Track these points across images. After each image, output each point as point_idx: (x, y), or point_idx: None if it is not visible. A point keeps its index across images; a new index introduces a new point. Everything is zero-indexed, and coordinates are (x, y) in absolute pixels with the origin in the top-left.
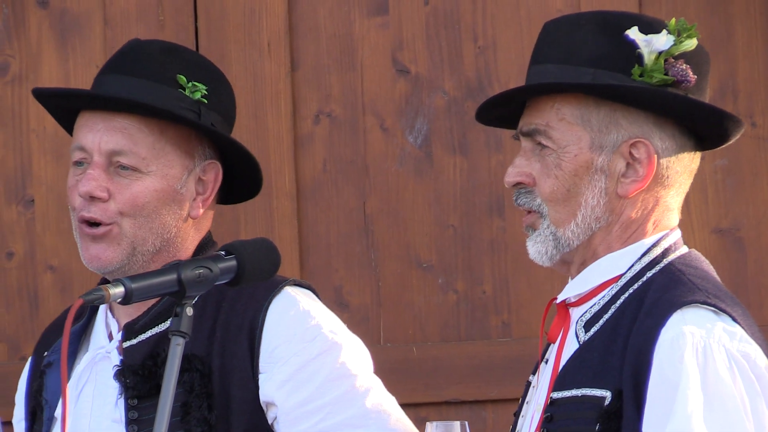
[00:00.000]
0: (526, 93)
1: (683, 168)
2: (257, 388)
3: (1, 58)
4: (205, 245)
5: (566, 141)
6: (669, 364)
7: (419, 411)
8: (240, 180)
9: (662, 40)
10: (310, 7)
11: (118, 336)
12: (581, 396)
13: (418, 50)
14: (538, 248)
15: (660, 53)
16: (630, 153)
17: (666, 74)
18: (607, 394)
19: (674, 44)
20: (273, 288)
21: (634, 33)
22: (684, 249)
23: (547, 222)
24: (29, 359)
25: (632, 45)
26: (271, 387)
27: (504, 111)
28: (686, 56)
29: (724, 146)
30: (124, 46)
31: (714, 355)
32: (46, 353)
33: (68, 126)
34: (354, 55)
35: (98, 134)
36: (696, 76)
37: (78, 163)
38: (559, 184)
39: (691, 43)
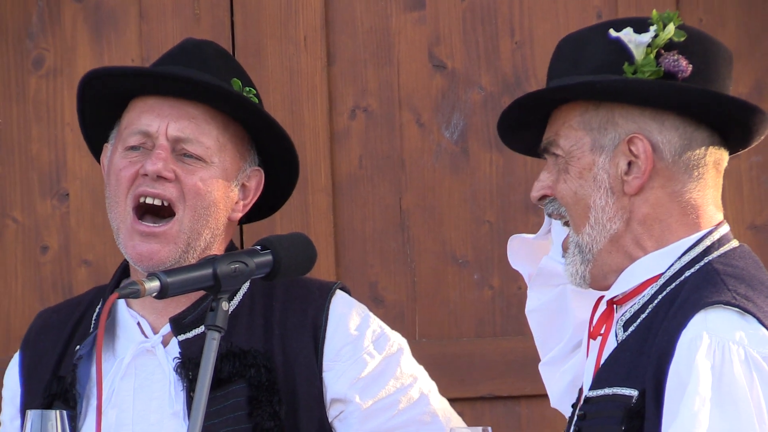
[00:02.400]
0: (519, 107)
1: (697, 161)
2: (322, 384)
3: (36, 51)
4: (230, 248)
5: (570, 145)
6: (684, 365)
7: (454, 406)
8: (271, 192)
9: (645, 37)
10: (347, 1)
11: (163, 331)
12: (612, 395)
13: (454, 45)
14: (571, 270)
15: (648, 47)
16: (630, 150)
17: (658, 65)
18: (634, 394)
19: (656, 35)
20: (327, 290)
21: (621, 33)
22: (730, 246)
23: (571, 233)
24: (16, 354)
25: (621, 44)
26: (342, 384)
27: (529, 134)
28: (681, 47)
29: (756, 142)
30: (181, 43)
31: (731, 357)
32: (78, 347)
33: (92, 119)
34: (390, 50)
35: (165, 119)
36: (692, 66)
37: (134, 148)
38: (568, 188)
39: (669, 31)
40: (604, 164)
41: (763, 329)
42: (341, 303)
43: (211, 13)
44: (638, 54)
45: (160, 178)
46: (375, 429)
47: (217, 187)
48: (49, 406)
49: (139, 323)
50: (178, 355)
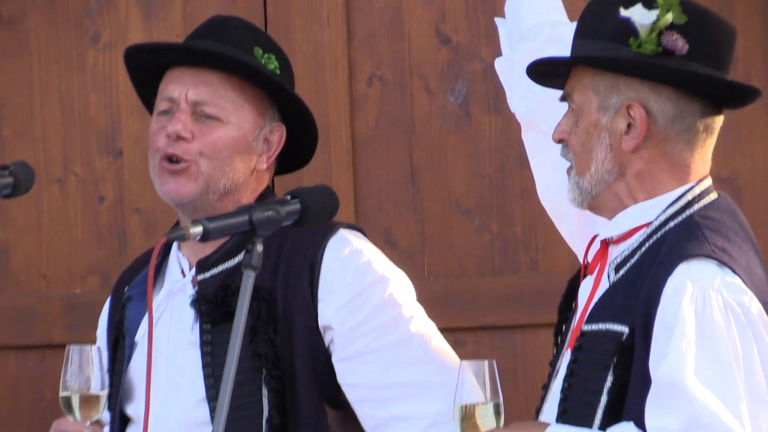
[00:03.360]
0: (543, 63)
1: (688, 126)
2: (316, 314)
3: (94, 28)
4: (265, 195)
5: (582, 103)
6: (670, 310)
7: (458, 335)
8: (297, 146)
9: (649, 16)
10: None
11: (190, 272)
12: (605, 330)
13: (458, 22)
14: (571, 195)
15: (652, 25)
16: (628, 114)
17: (658, 44)
18: (625, 330)
19: (657, 18)
20: (329, 230)
21: (629, 11)
22: (710, 198)
23: (573, 172)
24: (107, 300)
25: (627, 21)
26: (329, 313)
27: (555, 81)
28: (681, 27)
29: (747, 105)
30: (209, 20)
31: (711, 303)
32: (126, 288)
33: (143, 88)
34: (402, 27)
35: (186, 86)
36: (688, 45)
37: (164, 112)
38: (578, 140)
39: (669, 16)
40: (606, 124)
41: (738, 278)
42: (337, 241)
43: None
44: (643, 32)
45: (179, 138)
46: (356, 352)
47: (233, 143)
48: (115, 342)
49: (181, 265)
50: (194, 293)
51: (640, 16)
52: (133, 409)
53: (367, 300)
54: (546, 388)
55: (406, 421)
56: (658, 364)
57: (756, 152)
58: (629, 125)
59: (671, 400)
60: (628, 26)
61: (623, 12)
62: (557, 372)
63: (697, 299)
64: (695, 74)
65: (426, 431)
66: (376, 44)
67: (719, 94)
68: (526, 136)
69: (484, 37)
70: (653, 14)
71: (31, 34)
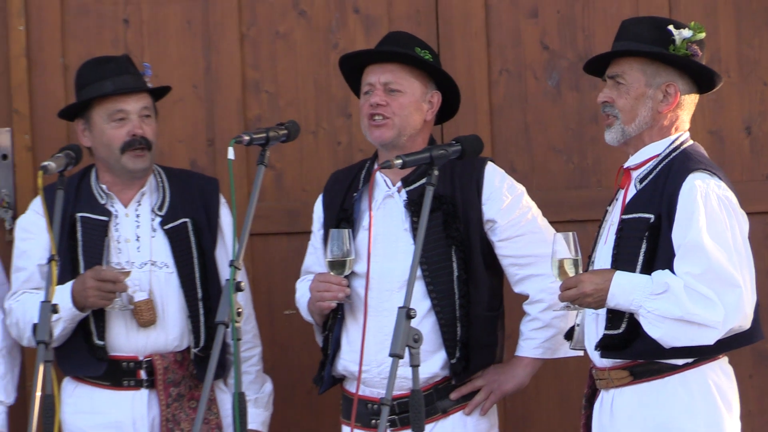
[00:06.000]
0: (614, 55)
1: (691, 101)
2: (482, 212)
3: (335, 40)
4: (432, 141)
5: (632, 80)
6: (687, 202)
7: (554, 226)
8: (448, 106)
9: (687, 32)
10: (505, 12)
11: (394, 186)
12: (638, 217)
13: (553, 35)
14: (612, 136)
15: (684, 39)
16: (665, 90)
17: (687, 50)
18: (652, 216)
19: (692, 35)
20: (484, 161)
21: (672, 28)
22: (690, 142)
23: (619, 122)
24: (320, 195)
25: (670, 34)
26: (491, 212)
27: (598, 67)
28: (697, 42)
29: (714, 90)
30: (387, 35)
31: (710, 197)
32: (355, 194)
33: (351, 80)
34: (519, 37)
35: (378, 74)
36: (701, 53)
37: (366, 93)
38: (627, 102)
39: (701, 36)
40: (651, 94)
41: (722, 182)
42: (490, 168)
43: (415, 19)
44: (679, 41)
45: (379, 105)
46: (509, 236)
47: (410, 104)
48: (337, 225)
49: (385, 180)
50: (406, 197)
51: (681, 33)
52: (359, 267)
53: (516, 205)
54: (590, 257)
55: (536, 276)
56: (684, 234)
57: (732, 114)
58: (664, 96)
59: (694, 255)
60: (669, 37)
61: (673, 29)
62: (597, 245)
63: (703, 195)
64: (709, 69)
65: (551, 283)
66: (504, 49)
67: (707, 82)
68: None
69: (569, 44)
70: (689, 32)
71: (297, 43)
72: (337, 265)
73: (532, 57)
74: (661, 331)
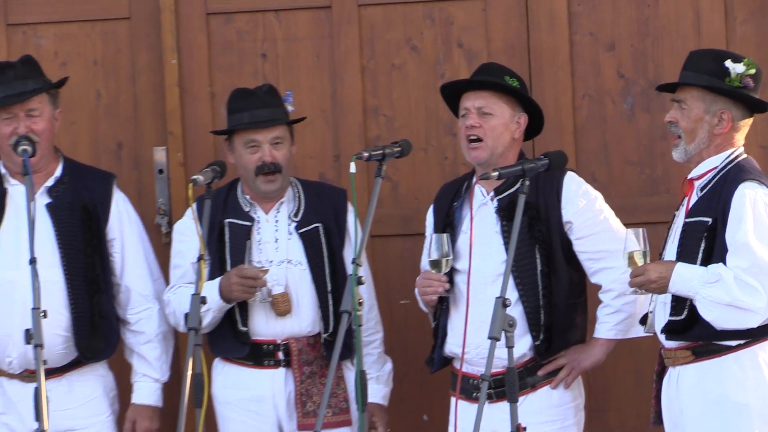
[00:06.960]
0: (679, 84)
1: (745, 123)
2: (560, 215)
3: (441, 70)
4: (522, 155)
5: (693, 106)
6: (738, 207)
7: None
8: (536, 125)
9: (741, 68)
10: (581, 43)
11: (489, 195)
12: (699, 221)
13: (627, 66)
14: (678, 154)
15: (738, 74)
16: (720, 116)
17: (740, 82)
18: (710, 220)
19: (745, 70)
20: (564, 172)
21: (728, 62)
22: (744, 156)
23: (682, 141)
24: (431, 205)
25: (727, 68)
26: (570, 214)
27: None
28: (751, 75)
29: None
30: (480, 66)
31: (758, 203)
32: (455, 203)
33: (452, 106)
34: (599, 68)
35: (473, 100)
36: (755, 84)
37: (464, 116)
38: (688, 124)
39: (753, 70)
40: (708, 119)
41: None
42: (570, 176)
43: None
44: (733, 74)
45: (473, 126)
46: (585, 234)
47: (500, 125)
48: (443, 230)
49: (481, 191)
50: (497, 204)
51: (736, 68)
52: (461, 264)
53: (590, 207)
54: (661, 254)
55: (608, 269)
56: (734, 234)
57: None
58: (719, 121)
59: (742, 252)
60: (725, 71)
61: (729, 64)
62: (666, 244)
63: (752, 201)
64: (760, 100)
65: (621, 274)
66: (586, 77)
67: (759, 108)
68: None
69: (641, 73)
70: (743, 67)
71: (410, 73)
72: (437, 264)
73: (610, 84)
74: (713, 314)
